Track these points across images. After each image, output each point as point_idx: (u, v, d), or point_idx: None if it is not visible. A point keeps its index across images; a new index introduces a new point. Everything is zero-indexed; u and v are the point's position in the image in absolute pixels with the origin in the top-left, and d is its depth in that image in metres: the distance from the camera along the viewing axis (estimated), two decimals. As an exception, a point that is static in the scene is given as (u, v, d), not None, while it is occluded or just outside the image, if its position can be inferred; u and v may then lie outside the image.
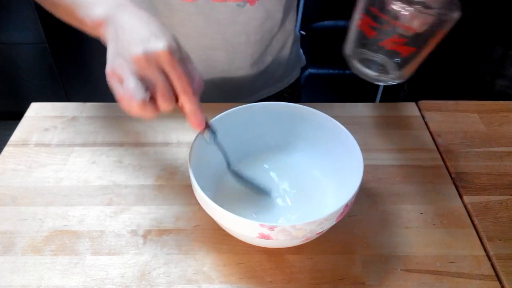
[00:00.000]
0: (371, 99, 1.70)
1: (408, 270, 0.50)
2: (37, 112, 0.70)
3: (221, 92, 0.78)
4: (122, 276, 0.48)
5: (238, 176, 0.53)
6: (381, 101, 1.59)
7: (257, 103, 0.56)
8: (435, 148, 0.66)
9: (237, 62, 0.75)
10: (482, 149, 0.66)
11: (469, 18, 1.59)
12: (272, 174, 0.58)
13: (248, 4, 0.66)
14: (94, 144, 0.65)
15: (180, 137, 0.66)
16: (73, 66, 1.76)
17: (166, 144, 0.65)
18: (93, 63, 1.75)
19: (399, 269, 0.50)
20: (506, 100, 0.75)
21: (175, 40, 0.41)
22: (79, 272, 0.48)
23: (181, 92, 0.40)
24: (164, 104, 0.40)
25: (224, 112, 0.54)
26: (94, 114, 0.70)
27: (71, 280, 0.48)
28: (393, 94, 1.63)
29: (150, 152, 0.64)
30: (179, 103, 0.42)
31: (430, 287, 0.48)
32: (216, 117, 0.52)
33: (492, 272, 0.50)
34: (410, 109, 0.73)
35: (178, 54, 0.40)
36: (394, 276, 0.49)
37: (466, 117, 0.72)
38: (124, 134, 0.67)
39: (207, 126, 0.48)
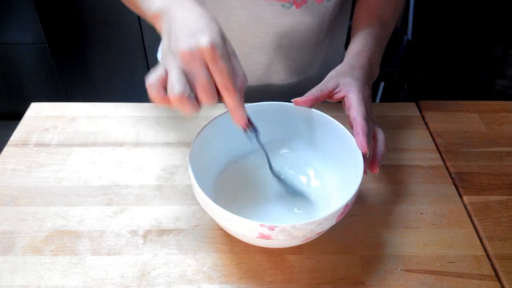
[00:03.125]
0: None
1: (408, 270, 0.50)
2: (37, 112, 0.70)
3: (254, 100, 0.78)
4: (122, 276, 0.48)
5: (278, 177, 0.53)
6: (381, 101, 1.59)
7: (257, 103, 0.56)
8: (435, 148, 0.66)
9: (276, 66, 0.74)
10: (482, 149, 0.66)
11: (469, 18, 1.60)
12: (272, 174, 0.58)
13: (293, 7, 0.65)
14: (94, 144, 0.65)
15: (180, 137, 0.66)
16: (73, 66, 1.76)
17: (166, 144, 0.65)
18: (93, 63, 1.75)
19: (399, 269, 0.50)
20: (506, 100, 0.75)
21: (221, 34, 0.41)
22: (79, 272, 0.48)
23: (222, 88, 0.41)
24: (204, 98, 0.41)
25: (225, 112, 0.54)
26: (94, 114, 0.70)
27: (71, 280, 0.48)
28: (393, 94, 1.63)
29: (150, 152, 0.64)
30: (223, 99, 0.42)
31: (430, 287, 0.48)
32: (218, 117, 0.52)
33: (492, 272, 0.50)
34: (410, 109, 0.73)
35: (221, 49, 0.40)
36: (394, 276, 0.49)
37: (466, 117, 0.72)
38: (124, 134, 0.67)
39: (250, 124, 0.47)
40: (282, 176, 0.54)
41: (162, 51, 0.43)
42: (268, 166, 0.52)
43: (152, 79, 0.41)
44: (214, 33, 0.40)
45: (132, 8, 0.53)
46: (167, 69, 0.41)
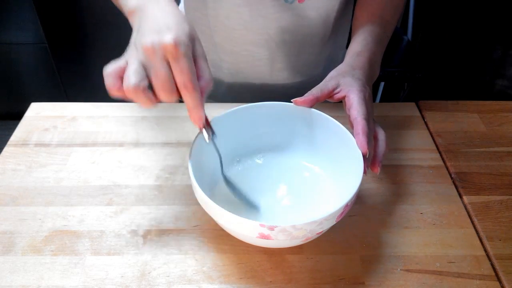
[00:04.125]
0: (371, 99, 1.69)
1: (408, 270, 0.50)
2: (37, 112, 0.70)
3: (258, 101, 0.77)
4: (122, 276, 0.48)
5: (229, 182, 0.53)
6: (381, 101, 1.59)
7: (256, 103, 0.56)
8: (435, 148, 0.66)
9: (279, 63, 0.74)
10: (482, 149, 0.66)
11: (469, 18, 1.60)
12: (272, 174, 0.58)
13: (296, 1, 0.65)
14: (94, 144, 0.65)
15: (180, 137, 0.66)
16: (73, 66, 1.76)
17: (166, 144, 0.65)
18: (93, 63, 1.75)
19: (399, 269, 0.50)
20: (506, 100, 0.75)
21: (190, 35, 0.41)
22: (79, 272, 0.48)
23: (181, 86, 0.41)
24: (162, 94, 0.41)
25: (225, 112, 0.54)
26: (94, 114, 0.70)
27: (71, 280, 0.48)
28: (393, 94, 1.63)
29: (150, 152, 0.64)
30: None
31: (430, 287, 0.48)
32: (217, 116, 0.52)
33: (492, 272, 0.50)
34: (410, 109, 0.73)
35: (184, 48, 0.40)
36: (394, 276, 0.49)
37: (466, 117, 0.72)
38: (124, 134, 0.67)
39: (207, 124, 0.48)
40: (233, 184, 0.53)
41: (129, 44, 0.44)
42: (223, 169, 0.52)
43: (109, 68, 0.41)
44: (181, 32, 0.40)
45: (115, 4, 0.54)
46: (127, 61, 0.41)
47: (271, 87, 0.77)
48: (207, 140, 0.48)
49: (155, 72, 0.40)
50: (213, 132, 0.49)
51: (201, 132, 0.48)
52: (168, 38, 0.39)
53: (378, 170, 0.50)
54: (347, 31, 0.80)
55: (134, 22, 0.45)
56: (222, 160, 0.51)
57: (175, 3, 0.45)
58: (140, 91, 0.40)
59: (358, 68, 0.56)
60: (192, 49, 0.41)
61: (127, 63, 0.41)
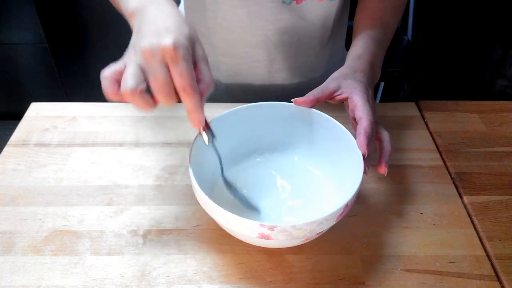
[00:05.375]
0: (371, 99, 1.69)
1: (408, 270, 0.50)
2: (37, 112, 0.70)
3: (255, 101, 0.77)
4: (122, 276, 0.48)
5: (229, 185, 0.53)
6: (381, 101, 1.59)
7: (256, 103, 0.56)
8: (435, 148, 0.66)
9: (277, 64, 0.74)
10: (482, 149, 0.66)
11: (469, 18, 1.60)
12: (272, 174, 0.58)
13: (294, 2, 0.65)
14: (94, 144, 0.65)
15: (180, 137, 0.66)
16: (73, 66, 1.76)
17: (166, 144, 0.65)
18: (93, 63, 1.75)
19: (399, 269, 0.50)
20: (506, 100, 0.75)
21: (190, 37, 0.41)
22: (79, 272, 0.48)
23: (181, 89, 0.40)
24: (160, 97, 0.40)
25: (225, 112, 0.54)
26: (94, 114, 0.70)
27: (71, 280, 0.48)
28: (393, 94, 1.63)
29: (150, 152, 0.64)
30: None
31: (430, 287, 0.48)
32: (217, 117, 0.52)
33: (492, 272, 0.50)
34: (410, 109, 0.73)
35: (183, 51, 0.39)
36: (394, 276, 0.49)
37: (466, 117, 0.72)
38: (124, 134, 0.67)
39: (207, 127, 0.47)
40: (233, 186, 0.53)
41: (128, 47, 0.43)
42: (223, 172, 0.52)
43: (107, 72, 0.41)
44: (180, 35, 0.40)
45: (115, 5, 0.53)
46: (126, 64, 0.41)
47: (270, 88, 0.77)
48: (207, 143, 0.48)
49: (154, 75, 0.40)
50: (213, 135, 0.48)
51: (200, 135, 0.48)
52: (167, 41, 0.39)
53: (385, 171, 0.50)
54: (345, 32, 0.80)
55: (133, 24, 0.45)
56: (222, 162, 0.51)
57: (175, 5, 0.44)
58: (138, 94, 0.39)
59: (360, 70, 0.56)
60: (192, 52, 0.41)
61: (125, 66, 0.41)
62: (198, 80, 0.42)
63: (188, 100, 0.41)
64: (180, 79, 0.40)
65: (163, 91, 0.40)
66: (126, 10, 0.47)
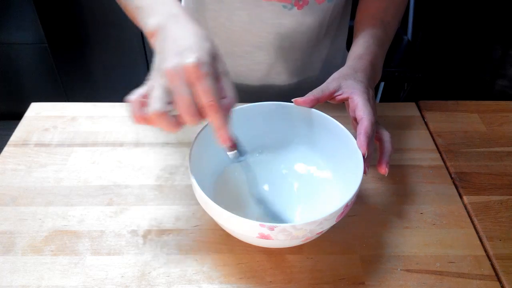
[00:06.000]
0: (371, 99, 1.69)
1: (408, 270, 0.50)
2: (37, 112, 0.70)
3: (255, 101, 0.77)
4: (122, 276, 0.48)
5: (260, 201, 0.52)
6: (381, 101, 1.59)
7: (257, 103, 0.56)
8: (435, 148, 0.66)
9: (277, 67, 0.74)
10: (482, 149, 0.66)
11: (469, 18, 1.60)
12: (272, 174, 0.58)
13: (295, 8, 0.65)
14: (94, 144, 0.65)
15: (180, 137, 0.66)
16: (73, 66, 1.76)
17: (166, 144, 0.65)
18: (93, 63, 1.75)
19: (399, 269, 0.50)
20: (506, 100, 0.75)
21: (212, 53, 0.41)
22: (79, 272, 0.48)
23: (206, 107, 0.40)
24: (185, 117, 0.40)
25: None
26: (94, 114, 0.70)
27: (71, 280, 0.48)
28: (393, 94, 1.63)
29: (150, 152, 0.64)
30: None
31: (430, 287, 0.48)
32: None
33: (492, 272, 0.50)
34: (410, 109, 0.73)
35: (206, 68, 0.39)
36: (394, 276, 0.49)
37: (466, 117, 0.72)
38: (124, 134, 0.67)
39: (235, 145, 0.46)
40: (266, 201, 0.53)
41: (152, 69, 0.43)
42: (254, 190, 0.52)
43: (133, 96, 0.41)
44: (203, 52, 0.40)
45: (128, 15, 0.53)
46: (152, 87, 0.41)
47: (269, 89, 0.77)
48: (233, 161, 0.47)
49: (179, 96, 0.39)
50: (242, 154, 0.47)
51: (229, 152, 0.46)
52: (190, 59, 0.38)
53: (386, 171, 0.50)
54: (346, 31, 0.80)
55: (155, 44, 0.44)
56: (251, 178, 0.51)
57: (194, 19, 0.44)
58: (165, 117, 0.39)
59: (360, 71, 0.56)
60: (214, 67, 0.41)
61: (149, 89, 0.41)
62: (222, 96, 0.41)
63: (214, 117, 0.41)
64: (205, 97, 0.39)
65: (187, 111, 0.40)
66: (145, 27, 0.46)
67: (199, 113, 0.40)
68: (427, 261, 0.51)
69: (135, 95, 0.41)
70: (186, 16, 0.44)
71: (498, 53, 1.61)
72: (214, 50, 0.41)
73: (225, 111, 0.41)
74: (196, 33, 0.42)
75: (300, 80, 0.78)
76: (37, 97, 0.78)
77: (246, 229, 0.43)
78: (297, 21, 0.67)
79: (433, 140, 0.67)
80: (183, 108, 0.40)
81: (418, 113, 0.72)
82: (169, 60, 0.40)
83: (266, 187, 0.56)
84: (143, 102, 0.41)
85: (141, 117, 0.41)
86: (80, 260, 0.50)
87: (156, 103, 0.39)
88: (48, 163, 0.62)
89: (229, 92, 0.42)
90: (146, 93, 0.41)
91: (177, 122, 0.41)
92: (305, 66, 0.76)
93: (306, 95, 0.54)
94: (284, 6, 0.65)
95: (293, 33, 0.69)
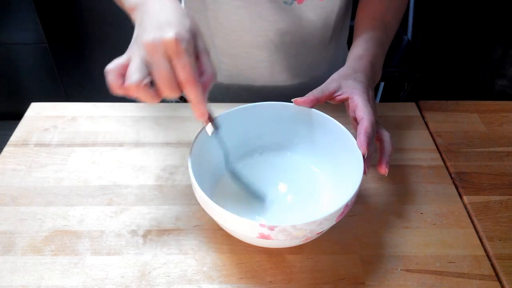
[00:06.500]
0: (371, 99, 1.69)
1: (408, 270, 0.50)
2: (37, 112, 0.70)
3: (256, 101, 0.77)
4: (122, 276, 0.48)
5: (235, 176, 0.53)
6: (381, 101, 1.59)
7: (257, 103, 0.56)
8: (435, 148, 0.66)
9: (279, 64, 0.74)
10: (482, 149, 0.66)
11: (469, 18, 1.60)
12: (272, 174, 0.58)
13: (295, 2, 0.65)
14: (94, 144, 0.65)
15: (180, 137, 0.66)
16: (73, 66, 1.76)
17: (166, 144, 0.65)
18: (93, 63, 1.75)
19: (399, 269, 0.50)
20: (506, 100, 0.75)
21: (191, 30, 0.41)
22: (79, 272, 0.48)
23: (184, 81, 0.41)
24: (164, 90, 0.41)
25: (225, 112, 0.54)
26: (94, 114, 0.70)
27: (71, 280, 0.48)
28: (393, 94, 1.63)
29: (150, 152, 0.64)
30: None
31: (430, 287, 0.48)
32: (217, 116, 0.52)
33: (492, 272, 0.50)
34: (410, 109, 0.73)
35: (185, 44, 0.40)
36: (394, 276, 0.49)
37: (466, 117, 0.72)
38: (124, 134, 0.67)
39: (211, 119, 0.48)
40: (240, 176, 0.53)
41: (131, 41, 0.44)
42: (228, 163, 0.52)
43: (111, 65, 0.41)
44: (182, 28, 0.40)
45: (115, 0, 0.53)
46: (129, 58, 0.41)
47: (271, 89, 0.77)
48: (210, 135, 0.48)
49: (157, 69, 0.40)
50: (217, 127, 0.49)
51: (204, 127, 0.48)
52: (169, 34, 0.39)
53: (385, 171, 0.50)
54: (347, 31, 0.80)
55: (135, 18, 0.45)
56: (227, 154, 0.51)
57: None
58: (142, 88, 0.40)
59: (360, 71, 0.56)
60: (194, 44, 0.41)
61: (129, 60, 0.41)
62: (200, 73, 0.42)
63: (191, 92, 0.41)
64: (183, 72, 0.40)
65: (166, 84, 0.41)
66: (127, 3, 0.47)
67: (178, 87, 0.41)
68: (427, 261, 0.51)
69: (114, 64, 0.42)
70: None
71: (498, 53, 1.61)
72: (194, 27, 0.42)
73: (203, 87, 0.42)
74: (177, 9, 0.43)
75: (305, 81, 0.78)
76: (37, 97, 0.78)
77: (246, 229, 0.43)
78: (297, 16, 0.67)
79: (433, 140, 0.67)
80: (161, 81, 0.40)
81: (418, 113, 0.72)
82: (148, 34, 0.40)
83: (266, 187, 0.56)
84: (122, 72, 0.41)
85: (120, 87, 0.41)
86: (80, 260, 0.50)
87: (134, 74, 0.40)
88: (48, 163, 0.62)
89: (208, 69, 0.42)
90: (125, 63, 0.42)
91: (156, 94, 0.41)
92: (309, 65, 0.76)
93: (306, 95, 0.54)
94: (285, 2, 0.65)
95: (294, 28, 0.69)
